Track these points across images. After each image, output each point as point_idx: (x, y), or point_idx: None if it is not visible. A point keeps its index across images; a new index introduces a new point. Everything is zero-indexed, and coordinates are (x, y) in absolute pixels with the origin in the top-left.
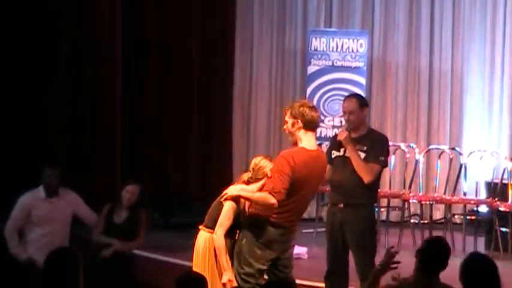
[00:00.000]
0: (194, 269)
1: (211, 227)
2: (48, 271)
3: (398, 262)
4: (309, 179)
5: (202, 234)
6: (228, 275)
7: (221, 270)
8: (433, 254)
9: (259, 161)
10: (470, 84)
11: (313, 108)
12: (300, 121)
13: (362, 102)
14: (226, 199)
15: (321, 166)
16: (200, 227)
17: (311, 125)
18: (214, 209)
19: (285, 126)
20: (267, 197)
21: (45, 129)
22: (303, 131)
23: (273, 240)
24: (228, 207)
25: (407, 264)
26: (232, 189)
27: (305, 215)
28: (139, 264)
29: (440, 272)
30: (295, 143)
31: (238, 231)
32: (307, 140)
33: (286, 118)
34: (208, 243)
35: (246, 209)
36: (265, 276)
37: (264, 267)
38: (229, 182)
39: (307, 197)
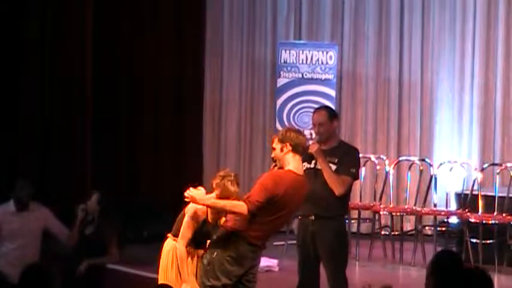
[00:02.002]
0: (160, 274)
1: (177, 236)
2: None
3: None
4: (290, 202)
5: (169, 242)
6: (188, 287)
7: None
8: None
9: (226, 183)
10: (440, 95)
11: (300, 132)
12: (288, 144)
13: (332, 114)
14: (188, 204)
15: (303, 191)
16: (168, 234)
17: (299, 148)
18: (180, 219)
19: (273, 154)
20: (237, 205)
21: (14, 141)
22: (291, 154)
23: (244, 257)
24: (189, 218)
25: (378, 275)
26: (196, 195)
27: None
28: (112, 279)
29: None
30: (282, 167)
31: (208, 242)
32: (294, 164)
33: (274, 145)
34: (173, 252)
35: (221, 223)
36: None
37: (230, 282)
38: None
39: (284, 219)
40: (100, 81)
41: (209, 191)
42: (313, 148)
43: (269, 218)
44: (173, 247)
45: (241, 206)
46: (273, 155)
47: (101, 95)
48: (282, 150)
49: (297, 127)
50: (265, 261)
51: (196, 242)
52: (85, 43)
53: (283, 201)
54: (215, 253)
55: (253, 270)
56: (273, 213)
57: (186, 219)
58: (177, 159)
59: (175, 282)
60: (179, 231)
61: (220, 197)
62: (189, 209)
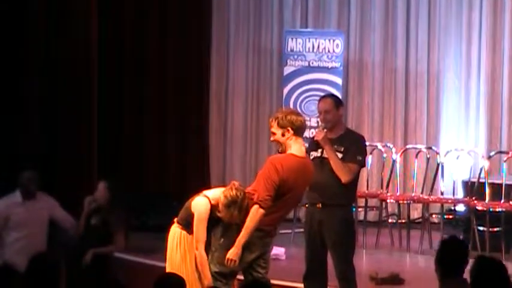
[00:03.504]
0: (167, 259)
1: (182, 224)
2: (29, 277)
3: None
4: (295, 185)
5: (173, 229)
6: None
7: (191, 266)
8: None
9: (234, 212)
10: (447, 83)
11: (299, 113)
12: (290, 129)
13: (337, 102)
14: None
15: (308, 173)
16: (175, 219)
17: (301, 131)
18: (186, 208)
19: (272, 138)
20: (254, 218)
21: (22, 131)
22: (293, 138)
23: (251, 242)
24: (198, 222)
25: (385, 263)
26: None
27: None
28: (118, 267)
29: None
30: (284, 151)
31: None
32: (296, 147)
33: (274, 129)
34: (178, 237)
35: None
36: (242, 277)
37: (239, 268)
38: (206, 182)
39: (291, 203)
40: (106, 78)
41: (214, 183)
42: (319, 136)
43: (274, 203)
44: (177, 233)
45: (257, 214)
46: (272, 139)
47: (106, 86)
48: (283, 135)
49: (302, 114)
50: (272, 250)
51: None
52: (90, 46)
53: (287, 185)
54: (222, 239)
55: (265, 256)
56: (278, 198)
57: (195, 222)
58: (182, 148)
59: (179, 266)
60: (184, 219)
61: (225, 220)
62: (195, 210)
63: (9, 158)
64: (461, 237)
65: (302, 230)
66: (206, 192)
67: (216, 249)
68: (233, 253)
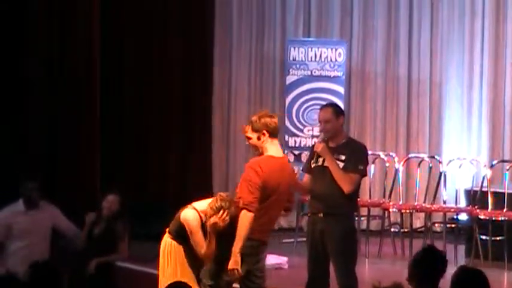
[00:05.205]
0: (160, 271)
1: (172, 234)
2: (28, 285)
3: None
4: (277, 185)
5: (165, 239)
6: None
7: (181, 277)
8: (430, 264)
9: (219, 223)
10: (449, 92)
11: (272, 115)
12: (265, 131)
13: (338, 111)
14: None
15: (288, 173)
16: (167, 229)
17: (276, 131)
18: (175, 220)
19: (248, 143)
20: (243, 223)
21: (22, 131)
22: (269, 140)
23: (244, 253)
24: (193, 232)
25: (388, 272)
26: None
27: (285, 225)
28: (121, 276)
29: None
30: (261, 154)
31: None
32: (273, 148)
33: (249, 134)
34: (168, 250)
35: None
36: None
37: (232, 280)
38: (208, 190)
39: (277, 205)
40: (107, 80)
41: (216, 191)
42: (319, 147)
43: (260, 206)
44: (167, 243)
45: (246, 218)
46: (247, 143)
47: (108, 93)
48: (259, 139)
49: (304, 123)
50: (275, 259)
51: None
52: (92, 48)
53: (270, 186)
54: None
55: (257, 266)
56: (263, 201)
57: (191, 237)
58: (185, 157)
59: (171, 276)
60: (174, 230)
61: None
62: (185, 222)
63: (9, 158)
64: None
65: (304, 239)
66: (195, 204)
67: (212, 265)
68: (233, 263)
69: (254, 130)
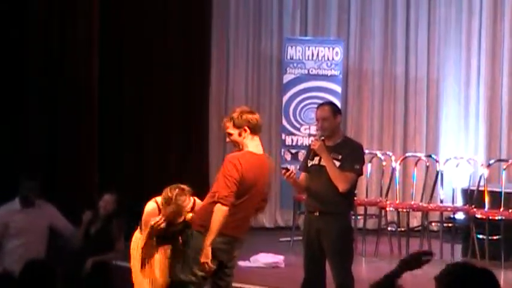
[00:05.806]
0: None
1: (140, 228)
2: (23, 284)
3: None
4: (255, 182)
5: (135, 234)
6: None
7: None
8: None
9: (179, 198)
10: (446, 91)
11: (253, 111)
12: (247, 127)
13: (335, 110)
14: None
15: (266, 171)
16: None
17: (257, 128)
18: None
19: (228, 139)
20: (218, 216)
21: (22, 131)
22: (250, 136)
23: (215, 249)
24: (145, 223)
25: (384, 271)
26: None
27: (282, 224)
28: (118, 275)
29: None
30: (241, 150)
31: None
32: (253, 145)
33: (230, 130)
34: (135, 242)
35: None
36: None
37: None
38: (206, 190)
39: (253, 203)
40: (107, 80)
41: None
42: (316, 145)
43: (236, 201)
44: (136, 237)
45: (220, 212)
46: (228, 140)
47: (108, 93)
48: (240, 135)
49: (301, 122)
50: (271, 258)
51: (162, 237)
52: (91, 48)
53: (247, 182)
54: (188, 249)
55: (230, 264)
56: (239, 197)
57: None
58: (183, 156)
59: (138, 269)
60: (141, 224)
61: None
62: (144, 214)
63: (9, 158)
64: (460, 245)
65: (301, 238)
66: (157, 198)
67: (184, 261)
68: (204, 256)
69: (235, 126)
